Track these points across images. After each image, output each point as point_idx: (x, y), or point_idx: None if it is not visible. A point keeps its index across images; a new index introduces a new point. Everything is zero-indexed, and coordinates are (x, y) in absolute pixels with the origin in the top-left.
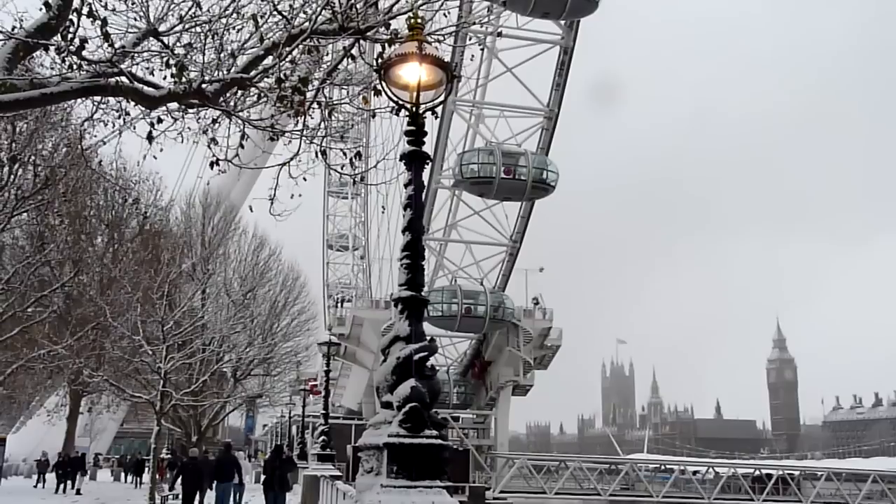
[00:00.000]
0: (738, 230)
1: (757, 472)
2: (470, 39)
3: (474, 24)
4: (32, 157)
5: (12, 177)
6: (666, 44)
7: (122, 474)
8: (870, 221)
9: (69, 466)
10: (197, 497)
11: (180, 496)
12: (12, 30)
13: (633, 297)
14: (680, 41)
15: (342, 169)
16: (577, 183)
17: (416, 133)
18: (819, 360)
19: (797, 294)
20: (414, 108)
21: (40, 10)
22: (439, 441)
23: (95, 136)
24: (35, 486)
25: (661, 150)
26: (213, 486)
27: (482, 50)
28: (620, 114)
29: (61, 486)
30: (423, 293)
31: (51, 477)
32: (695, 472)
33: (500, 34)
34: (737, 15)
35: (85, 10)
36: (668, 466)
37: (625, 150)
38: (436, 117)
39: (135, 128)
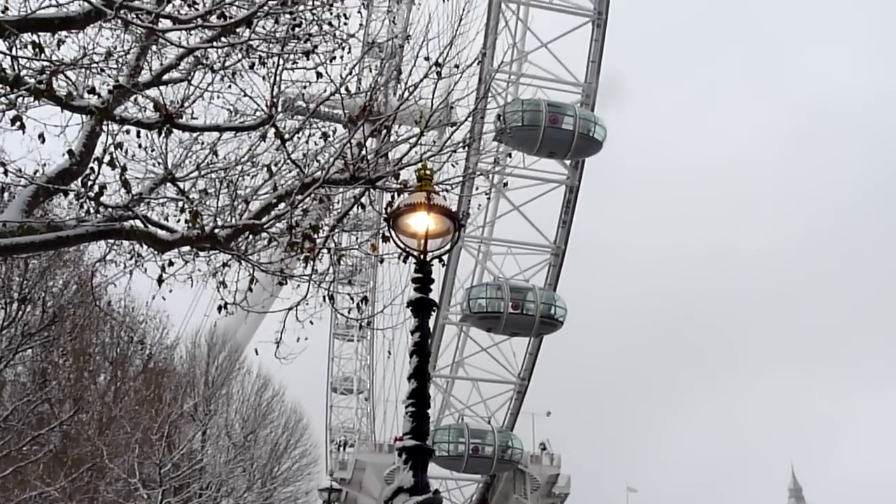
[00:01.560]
0: (757, 370)
1: None
2: (477, 189)
3: (481, 174)
4: (42, 295)
5: (20, 313)
6: (679, 186)
7: None
8: (892, 364)
9: None
10: None
11: None
12: (34, 173)
13: (646, 440)
14: (693, 184)
15: (349, 313)
16: (587, 319)
17: (422, 281)
18: None
19: (816, 438)
20: (421, 256)
21: (63, 156)
22: None
23: (106, 276)
24: None
25: (677, 288)
26: None
27: (488, 198)
28: (634, 253)
29: None
30: (428, 434)
31: None
32: None
33: (506, 184)
34: (750, 160)
35: (106, 159)
36: None
37: (638, 288)
38: (443, 265)
39: (146, 270)
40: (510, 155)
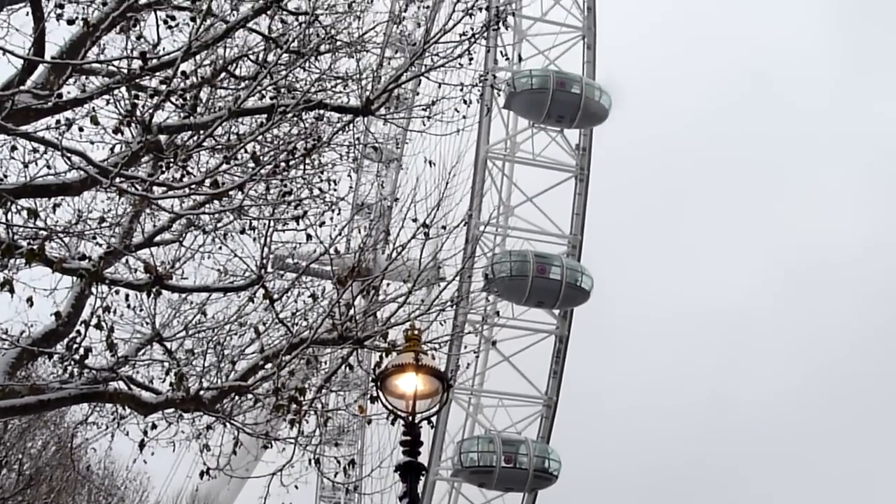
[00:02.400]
0: None
1: None
2: (465, 348)
3: (470, 332)
4: (19, 457)
5: None
6: (674, 333)
7: None
8: None
9: None
10: None
11: None
12: (20, 334)
13: None
14: (688, 331)
15: (335, 476)
16: (583, 471)
17: (411, 444)
18: None
19: None
20: (410, 418)
21: (51, 315)
22: None
23: (86, 438)
24: None
25: (676, 435)
26: None
27: (477, 356)
28: (629, 401)
29: None
30: None
31: None
32: None
33: (494, 343)
34: (745, 305)
35: (93, 322)
36: None
37: (636, 437)
38: (431, 427)
39: (128, 432)
40: (498, 313)
